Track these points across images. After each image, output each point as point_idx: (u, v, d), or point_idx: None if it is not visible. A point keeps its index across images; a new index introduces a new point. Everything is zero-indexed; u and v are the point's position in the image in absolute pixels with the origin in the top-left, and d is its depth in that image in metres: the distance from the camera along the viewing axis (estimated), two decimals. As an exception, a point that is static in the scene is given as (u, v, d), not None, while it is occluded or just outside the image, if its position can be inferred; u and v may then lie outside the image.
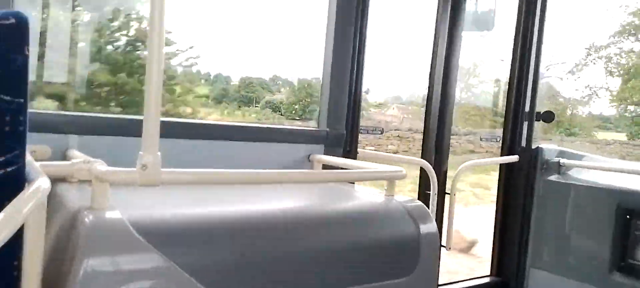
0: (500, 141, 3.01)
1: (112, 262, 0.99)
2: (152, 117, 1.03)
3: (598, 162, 2.91)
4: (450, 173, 2.76)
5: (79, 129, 1.58)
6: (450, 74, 2.63)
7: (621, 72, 18.11)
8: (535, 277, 2.82)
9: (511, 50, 2.95)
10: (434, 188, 2.37)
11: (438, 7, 2.63)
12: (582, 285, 2.63)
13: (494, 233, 3.02)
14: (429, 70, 2.70)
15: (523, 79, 2.87)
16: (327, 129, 2.14)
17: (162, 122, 1.07)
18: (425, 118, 2.75)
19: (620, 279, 2.50)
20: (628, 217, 2.49)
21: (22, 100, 0.85)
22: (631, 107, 18.19)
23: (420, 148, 2.78)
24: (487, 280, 2.96)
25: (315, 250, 1.27)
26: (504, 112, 3.01)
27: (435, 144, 2.67)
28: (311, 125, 2.27)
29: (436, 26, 2.65)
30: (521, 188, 2.88)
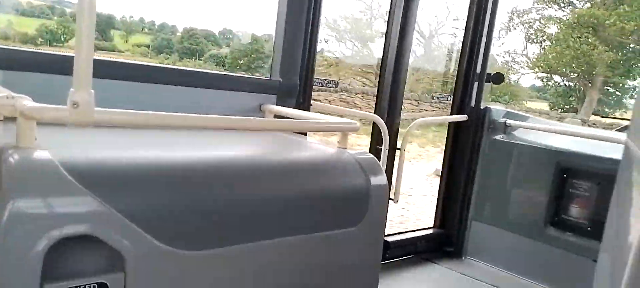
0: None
1: (42, 204, 0.92)
2: (84, 50, 0.94)
3: (542, 124, 3.04)
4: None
5: (3, 64, 1.43)
6: (405, 34, 2.62)
7: (540, 39, 18.42)
8: (476, 230, 2.96)
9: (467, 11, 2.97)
10: (385, 143, 2.39)
11: None
12: (518, 237, 2.79)
13: (439, 187, 3.12)
14: (385, 29, 2.68)
15: (476, 41, 2.91)
16: (280, 79, 2.08)
17: (100, 61, 0.98)
18: (379, 76, 2.75)
19: (553, 233, 2.67)
20: (565, 175, 2.64)
21: None
22: (557, 78, 18.78)
23: (360, 107, 2.78)
24: (430, 231, 3.08)
25: (264, 199, 1.25)
26: (456, 73, 3.06)
27: (389, 101, 2.68)
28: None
29: None
30: (468, 146, 2.97)
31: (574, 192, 2.63)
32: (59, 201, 0.94)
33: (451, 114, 3.03)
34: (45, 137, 1.05)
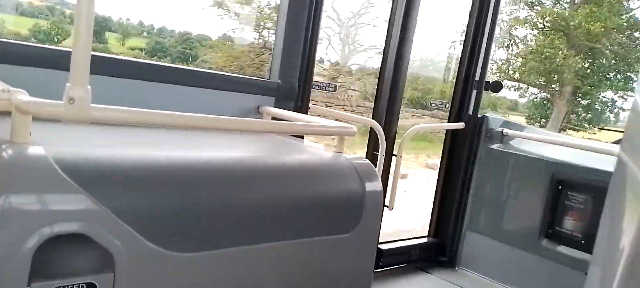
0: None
1: (34, 200, 0.91)
2: (81, 46, 0.93)
3: (538, 134, 3.04)
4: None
5: (1, 57, 1.42)
6: (405, 41, 2.62)
7: (506, 43, 16.45)
8: (470, 240, 2.96)
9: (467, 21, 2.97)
10: (382, 149, 2.39)
11: None
12: (512, 249, 2.78)
13: (435, 196, 3.12)
14: (385, 34, 2.68)
15: (475, 49, 2.92)
16: (279, 81, 2.07)
17: (98, 58, 0.97)
18: (378, 81, 2.75)
19: (547, 245, 2.67)
20: (560, 187, 2.64)
21: None
22: (534, 90, 17.04)
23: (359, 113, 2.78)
24: (424, 240, 3.07)
25: (259, 201, 1.24)
26: (455, 80, 3.06)
27: (387, 107, 2.68)
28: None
29: None
30: (464, 154, 2.97)
31: (569, 204, 2.63)
32: (51, 198, 0.93)
33: (449, 122, 3.03)
34: (41, 133, 1.04)
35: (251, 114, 2.01)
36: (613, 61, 16.09)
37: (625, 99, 16.27)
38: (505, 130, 2.92)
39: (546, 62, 15.72)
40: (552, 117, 16.40)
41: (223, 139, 1.59)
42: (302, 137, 1.95)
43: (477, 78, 2.96)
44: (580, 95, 16.36)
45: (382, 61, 2.71)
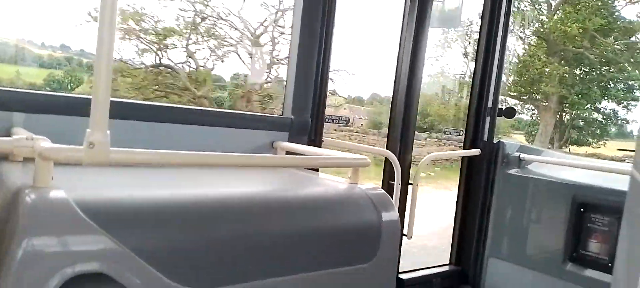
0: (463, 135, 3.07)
1: (55, 242, 0.93)
2: (101, 92, 0.98)
3: (556, 157, 3.00)
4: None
5: (24, 107, 1.48)
6: (416, 69, 2.65)
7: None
8: (493, 266, 2.90)
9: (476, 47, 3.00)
10: (397, 178, 2.38)
11: (405, 3, 2.64)
12: (537, 274, 2.71)
13: (454, 223, 3.08)
14: (395, 64, 2.71)
15: (486, 76, 2.93)
16: (292, 116, 2.11)
17: (117, 103, 1.01)
18: (391, 110, 2.77)
19: (572, 269, 2.59)
20: (582, 210, 2.58)
21: None
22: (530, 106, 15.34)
23: (368, 143, 2.78)
24: (446, 268, 3.01)
25: (276, 235, 1.24)
26: (468, 107, 3.07)
27: (400, 136, 2.69)
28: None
29: (403, 22, 2.66)
30: (482, 181, 2.94)
31: (592, 227, 2.57)
32: (72, 239, 0.95)
33: (464, 149, 3.02)
34: (63, 176, 1.08)
35: (266, 149, 2.04)
36: (602, 67, 14.54)
37: (630, 110, 14.96)
38: (522, 155, 2.89)
39: (523, 71, 14.28)
40: (539, 132, 14.77)
41: (239, 175, 1.62)
42: (317, 170, 1.96)
43: (489, 104, 2.97)
44: (567, 105, 14.81)
45: (394, 90, 2.73)
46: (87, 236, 0.96)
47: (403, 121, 2.68)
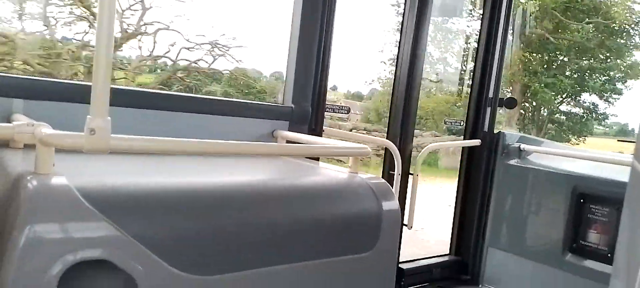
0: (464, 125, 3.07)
1: (57, 229, 0.93)
2: (101, 79, 0.97)
3: (556, 148, 3.00)
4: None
5: (25, 93, 1.48)
6: (416, 59, 2.64)
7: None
8: (493, 257, 2.91)
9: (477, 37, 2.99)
10: (397, 168, 2.39)
11: None
12: (536, 264, 2.72)
13: (454, 213, 3.09)
14: (396, 55, 2.70)
15: (487, 66, 2.92)
16: (292, 105, 2.10)
17: (117, 90, 1.01)
18: (391, 101, 2.76)
19: (572, 260, 2.61)
20: (582, 200, 2.59)
21: None
22: None
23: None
24: (446, 258, 3.03)
25: (277, 223, 1.25)
26: (468, 97, 3.07)
27: (401, 126, 2.68)
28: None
29: (404, 11, 2.65)
30: (482, 171, 2.94)
31: (592, 218, 2.57)
32: (74, 226, 0.95)
33: (464, 139, 3.02)
34: (64, 163, 1.08)
35: (266, 138, 2.03)
36: (569, 54, 13.14)
37: (612, 103, 13.76)
38: (523, 146, 2.89)
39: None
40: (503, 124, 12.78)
41: (240, 163, 1.62)
42: (318, 159, 1.97)
43: (490, 95, 2.96)
44: (529, 95, 13.30)
45: (395, 80, 2.72)
46: (89, 223, 0.96)
47: (403, 111, 2.67)
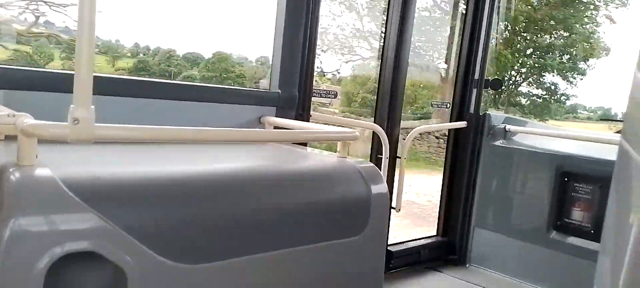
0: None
1: (43, 221, 0.92)
2: (84, 68, 0.95)
3: (540, 128, 3.04)
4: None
5: (5, 83, 1.44)
6: (403, 43, 2.63)
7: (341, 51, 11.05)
8: (479, 236, 2.96)
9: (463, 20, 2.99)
10: (385, 152, 2.40)
11: None
12: (522, 243, 2.78)
13: (441, 195, 3.12)
14: (382, 38, 2.69)
15: (473, 48, 2.93)
16: (279, 91, 2.09)
17: (101, 78, 0.99)
18: (378, 85, 2.76)
19: (556, 237, 2.66)
20: (566, 179, 2.64)
21: None
22: None
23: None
24: (433, 240, 3.07)
25: (266, 210, 1.24)
26: (454, 79, 3.08)
27: (388, 110, 2.69)
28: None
29: None
30: (468, 153, 2.97)
31: (576, 196, 2.62)
32: (60, 218, 0.94)
33: (450, 121, 3.04)
34: (47, 154, 1.05)
35: (253, 125, 2.02)
36: (516, 25, 11.88)
37: (573, 83, 12.82)
38: (508, 127, 2.92)
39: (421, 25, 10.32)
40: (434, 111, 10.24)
41: (227, 151, 1.60)
42: (306, 145, 1.96)
43: (476, 77, 2.98)
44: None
45: (381, 65, 2.72)
46: (75, 214, 0.95)
47: (390, 96, 2.68)
